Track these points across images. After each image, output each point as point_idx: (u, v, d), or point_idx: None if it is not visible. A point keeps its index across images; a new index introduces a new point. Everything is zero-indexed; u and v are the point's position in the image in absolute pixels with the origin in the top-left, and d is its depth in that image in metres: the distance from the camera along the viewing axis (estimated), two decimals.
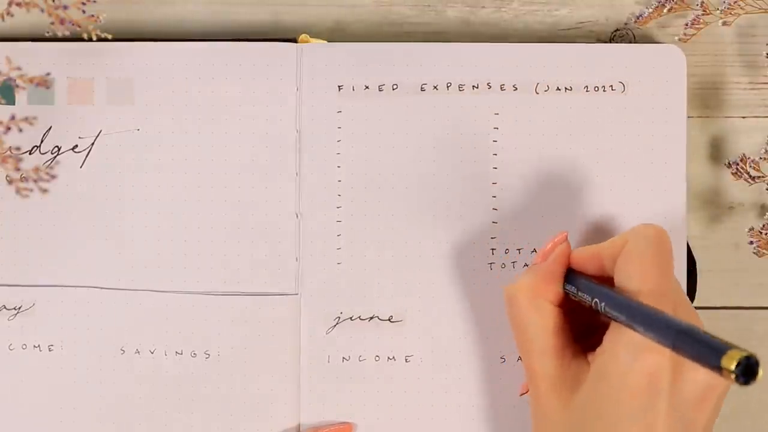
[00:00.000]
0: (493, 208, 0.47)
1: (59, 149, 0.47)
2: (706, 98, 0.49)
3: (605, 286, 0.40)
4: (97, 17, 0.43)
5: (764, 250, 0.48)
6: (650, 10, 0.48)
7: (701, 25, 0.48)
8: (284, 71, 0.47)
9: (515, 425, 0.47)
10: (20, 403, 0.47)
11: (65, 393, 0.47)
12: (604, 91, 0.48)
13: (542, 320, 0.41)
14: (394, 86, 0.47)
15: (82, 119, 0.47)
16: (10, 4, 0.42)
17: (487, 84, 0.47)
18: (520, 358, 0.47)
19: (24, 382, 0.47)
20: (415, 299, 0.47)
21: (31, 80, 0.42)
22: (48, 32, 0.43)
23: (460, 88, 0.47)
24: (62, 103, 0.47)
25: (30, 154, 0.47)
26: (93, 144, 0.47)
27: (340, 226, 0.47)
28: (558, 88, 0.48)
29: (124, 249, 0.47)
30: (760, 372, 0.32)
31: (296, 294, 0.47)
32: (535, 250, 0.47)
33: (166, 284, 0.47)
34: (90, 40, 0.43)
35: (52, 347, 0.47)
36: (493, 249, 0.47)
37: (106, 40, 0.44)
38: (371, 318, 0.47)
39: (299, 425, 0.47)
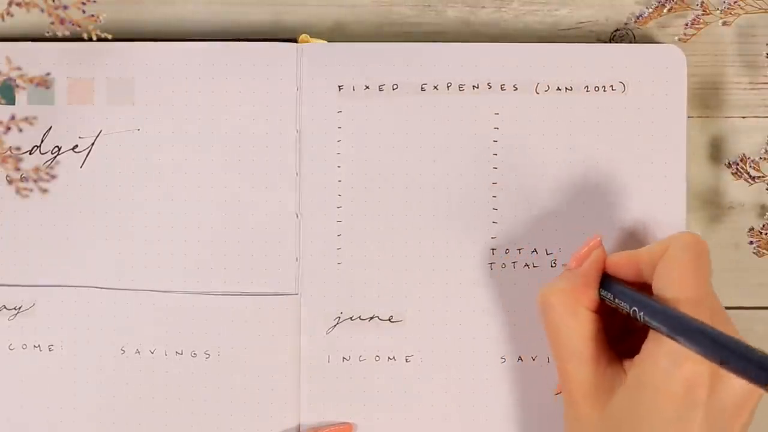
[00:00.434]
0: (493, 208, 0.47)
1: (59, 149, 0.47)
2: (706, 98, 0.49)
3: (643, 294, 0.40)
4: (97, 17, 0.43)
5: (764, 250, 0.48)
6: (650, 10, 0.48)
7: (701, 25, 0.48)
8: (284, 71, 0.47)
9: (515, 425, 0.47)
10: (20, 403, 0.47)
11: (65, 393, 0.47)
12: (604, 91, 0.48)
13: (579, 327, 0.41)
14: (394, 86, 0.47)
15: (82, 119, 0.47)
16: (10, 4, 0.42)
17: (487, 84, 0.47)
18: (520, 359, 0.47)
19: (24, 382, 0.47)
20: (415, 299, 0.47)
21: (31, 80, 0.42)
22: (48, 32, 0.43)
23: (460, 88, 0.47)
24: (62, 103, 0.47)
25: (30, 154, 0.47)
26: (93, 144, 0.47)
27: (340, 226, 0.47)
28: (558, 88, 0.48)
29: (124, 249, 0.47)
30: None
31: (296, 294, 0.47)
32: (535, 250, 0.47)
33: (166, 284, 0.47)
34: (90, 40, 0.43)
35: (52, 347, 0.47)
36: (493, 249, 0.47)
37: (106, 40, 0.44)
38: (371, 318, 0.47)
39: (299, 425, 0.47)
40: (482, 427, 0.47)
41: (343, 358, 0.47)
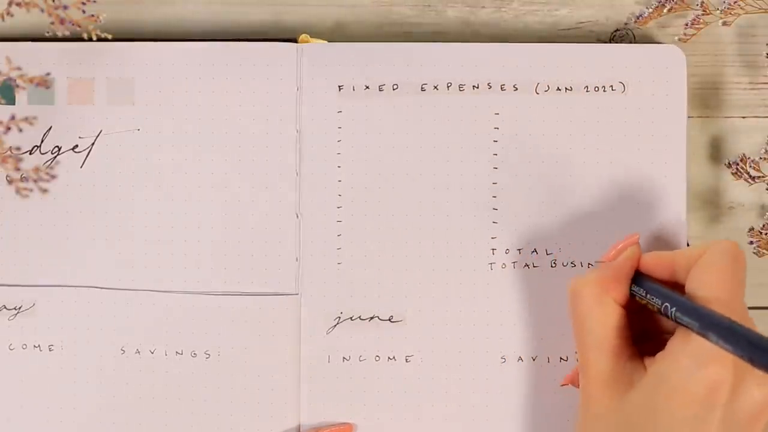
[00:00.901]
0: (493, 208, 0.47)
1: (59, 149, 0.47)
2: (706, 98, 0.49)
3: (676, 292, 0.40)
4: (97, 17, 0.43)
5: (764, 250, 0.48)
6: (650, 10, 0.48)
7: (701, 25, 0.48)
8: (284, 71, 0.47)
9: (516, 425, 0.47)
10: (20, 403, 0.47)
11: (65, 393, 0.47)
12: (604, 91, 0.48)
13: (605, 317, 0.41)
14: (394, 86, 0.47)
15: (82, 119, 0.47)
16: (10, 4, 0.42)
17: (487, 84, 0.47)
18: (520, 359, 0.47)
19: (24, 382, 0.47)
20: (415, 299, 0.47)
21: (31, 80, 0.42)
22: (48, 32, 0.43)
23: (460, 88, 0.47)
24: (62, 103, 0.47)
25: (30, 154, 0.47)
26: (93, 144, 0.47)
27: (340, 226, 0.47)
28: (558, 88, 0.48)
29: (124, 249, 0.47)
30: None
31: (296, 294, 0.47)
32: (535, 251, 0.47)
33: (166, 284, 0.47)
34: (90, 40, 0.43)
35: (52, 347, 0.47)
36: (493, 249, 0.47)
37: (106, 40, 0.44)
38: (371, 318, 0.47)
39: (299, 425, 0.47)
40: (482, 426, 0.47)
41: (343, 358, 0.47)
